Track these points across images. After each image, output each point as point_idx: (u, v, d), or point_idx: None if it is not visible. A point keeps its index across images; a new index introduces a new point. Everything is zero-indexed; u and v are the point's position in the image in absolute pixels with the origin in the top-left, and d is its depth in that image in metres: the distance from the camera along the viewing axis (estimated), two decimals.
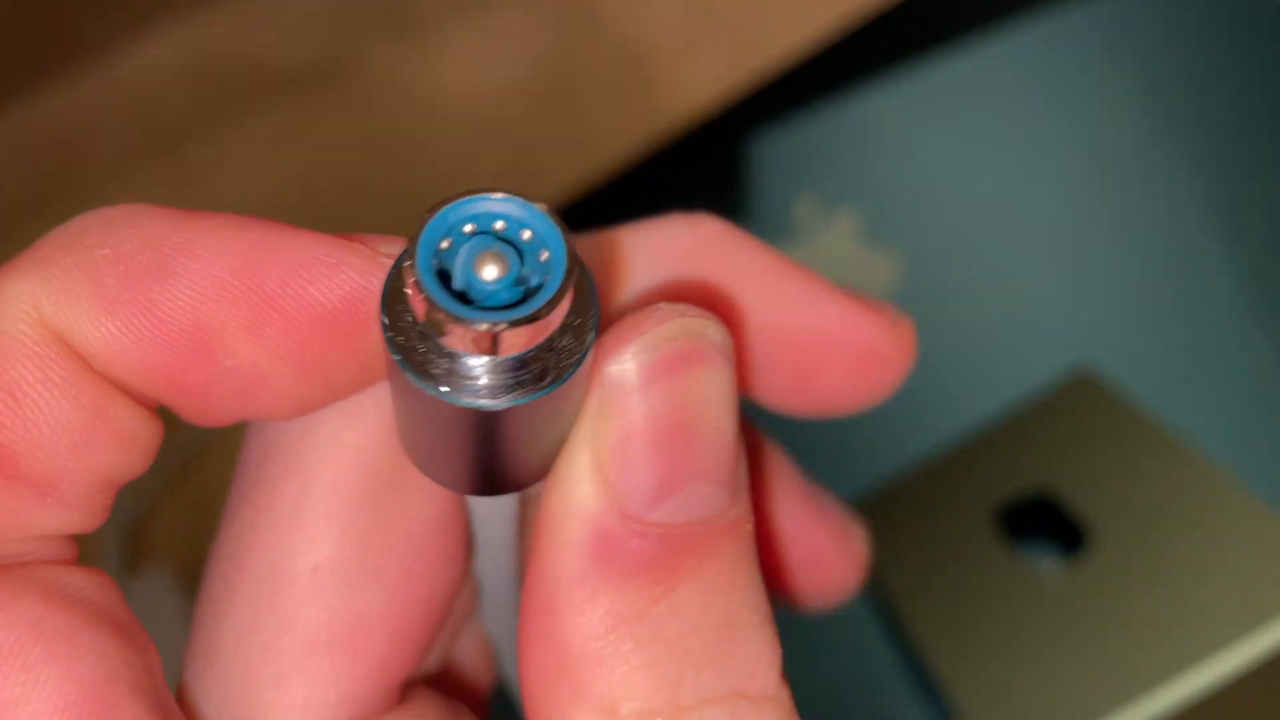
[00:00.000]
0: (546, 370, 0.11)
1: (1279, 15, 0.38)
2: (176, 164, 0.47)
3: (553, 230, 0.11)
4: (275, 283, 0.12)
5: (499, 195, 0.12)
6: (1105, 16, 0.39)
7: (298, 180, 0.48)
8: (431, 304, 0.11)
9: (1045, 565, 0.31)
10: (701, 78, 0.45)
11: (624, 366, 0.12)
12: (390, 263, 0.12)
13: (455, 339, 0.11)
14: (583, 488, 0.12)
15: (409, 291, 0.11)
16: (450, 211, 0.12)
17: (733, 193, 0.41)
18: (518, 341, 0.11)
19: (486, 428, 0.12)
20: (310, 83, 0.49)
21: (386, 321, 0.12)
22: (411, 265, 0.11)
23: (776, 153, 0.41)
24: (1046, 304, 0.36)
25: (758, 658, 0.13)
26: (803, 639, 0.33)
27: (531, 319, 0.11)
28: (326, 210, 0.47)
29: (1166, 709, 0.25)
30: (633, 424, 0.12)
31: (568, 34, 0.47)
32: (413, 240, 0.11)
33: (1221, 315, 0.34)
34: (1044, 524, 0.32)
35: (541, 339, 0.11)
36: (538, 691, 0.12)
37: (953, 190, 0.39)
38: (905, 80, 0.41)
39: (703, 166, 0.42)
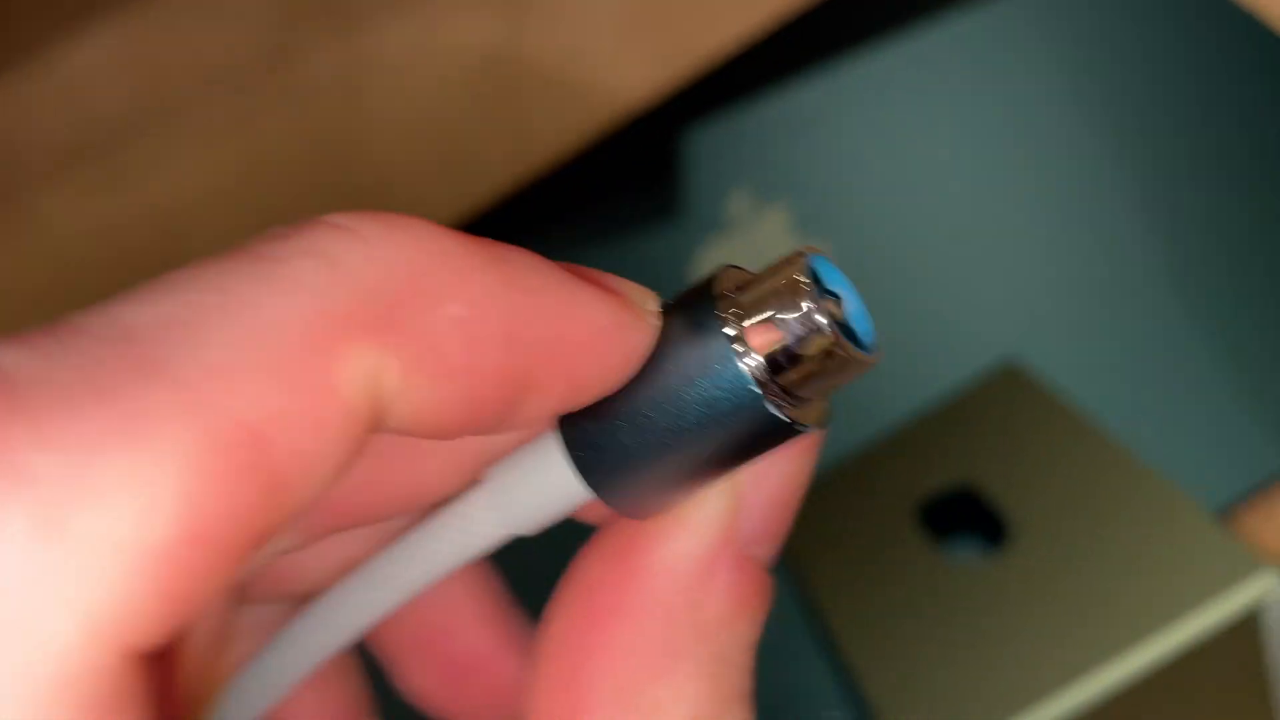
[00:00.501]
0: (811, 414, 0.13)
1: (1210, 6, 0.38)
2: (112, 165, 0.47)
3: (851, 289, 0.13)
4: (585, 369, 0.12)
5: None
6: (1037, 7, 0.39)
7: (236, 178, 0.47)
8: (816, 276, 0.12)
9: (966, 559, 0.31)
10: (637, 73, 0.45)
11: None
12: (655, 321, 0.13)
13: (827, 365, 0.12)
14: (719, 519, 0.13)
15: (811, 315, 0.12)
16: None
17: (666, 188, 0.41)
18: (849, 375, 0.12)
19: (763, 444, 0.13)
20: (248, 79, 0.48)
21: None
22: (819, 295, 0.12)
23: (710, 147, 0.41)
24: (977, 297, 0.36)
25: None
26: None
27: (871, 355, 0.12)
28: (265, 206, 0.47)
29: (1086, 701, 0.25)
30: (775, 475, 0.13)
31: (506, 30, 0.47)
32: (813, 277, 0.12)
33: (1151, 310, 0.34)
34: (966, 518, 0.32)
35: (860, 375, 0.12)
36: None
37: (884, 182, 0.39)
38: (837, 73, 0.40)
39: (637, 162, 0.42)
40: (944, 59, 0.40)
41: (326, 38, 0.48)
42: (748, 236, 0.40)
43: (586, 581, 0.13)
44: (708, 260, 0.40)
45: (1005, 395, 0.33)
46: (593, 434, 0.12)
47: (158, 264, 0.43)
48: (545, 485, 0.13)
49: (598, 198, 0.42)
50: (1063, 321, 0.35)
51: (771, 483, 0.13)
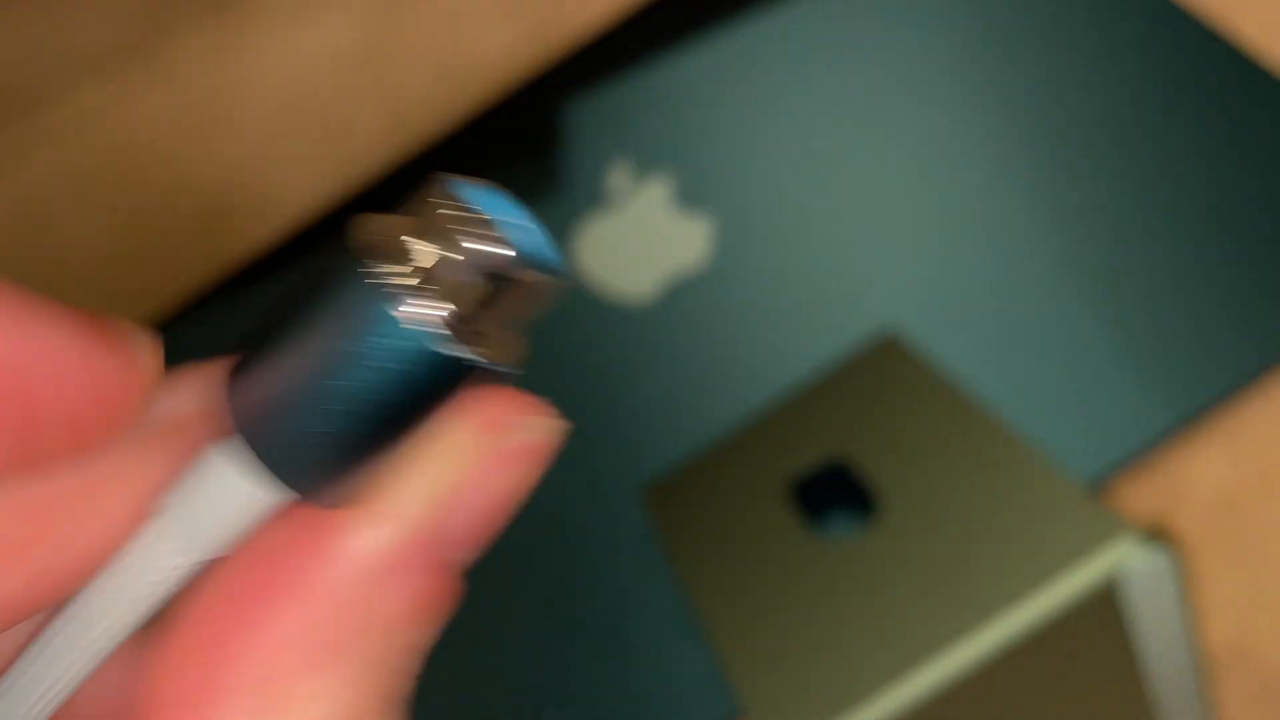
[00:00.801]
0: (496, 349, 0.11)
1: None
2: None
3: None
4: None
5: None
6: None
7: (110, 161, 0.45)
8: (460, 201, 0.11)
9: (836, 536, 0.30)
10: (514, 46, 0.44)
11: (525, 433, 0.12)
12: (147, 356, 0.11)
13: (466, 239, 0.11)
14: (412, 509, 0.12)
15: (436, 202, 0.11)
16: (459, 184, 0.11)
17: (546, 162, 0.39)
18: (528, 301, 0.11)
19: (442, 387, 0.11)
20: (117, 64, 0.46)
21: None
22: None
23: (588, 120, 0.40)
24: (860, 266, 0.35)
25: None
26: (604, 628, 0.32)
27: (555, 267, 0.11)
28: (137, 195, 0.45)
29: (945, 676, 0.24)
30: (489, 482, 0.12)
31: (382, 5, 0.45)
32: (456, 200, 0.11)
33: (1030, 279, 0.33)
34: (838, 493, 0.31)
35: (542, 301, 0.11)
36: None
37: (765, 152, 0.38)
38: (717, 43, 0.39)
39: (515, 136, 0.40)
40: (824, 28, 0.39)
41: (196, 19, 0.47)
42: (628, 210, 0.38)
43: (257, 554, 0.12)
44: (589, 235, 0.38)
45: (881, 366, 0.32)
46: (262, 427, 0.11)
47: (29, 254, 0.41)
48: (222, 496, 0.11)
49: (475, 174, 0.41)
50: (943, 290, 0.34)
51: (482, 487, 0.12)
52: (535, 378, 0.37)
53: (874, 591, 0.26)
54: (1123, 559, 0.23)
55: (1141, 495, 0.31)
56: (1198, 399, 0.31)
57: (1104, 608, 0.24)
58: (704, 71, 0.40)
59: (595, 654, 0.32)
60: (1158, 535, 0.24)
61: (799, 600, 0.27)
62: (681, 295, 0.37)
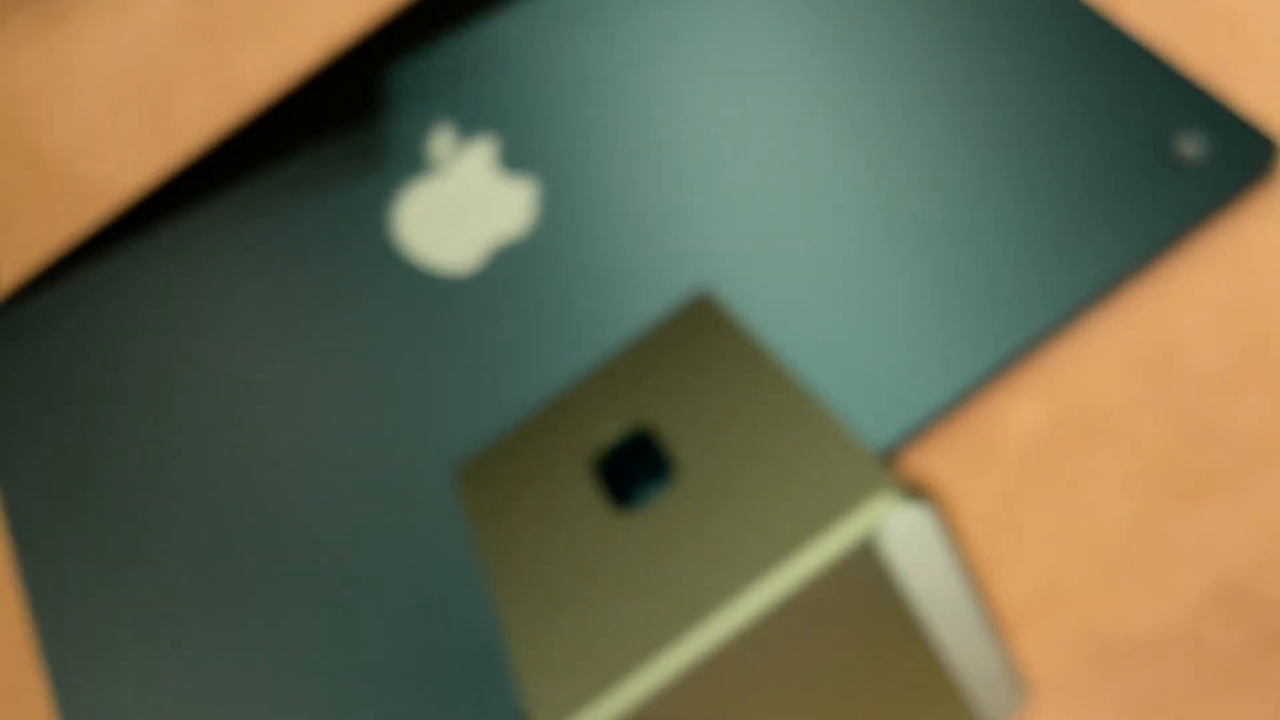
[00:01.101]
0: None
1: None
2: None
3: None
4: None
5: None
6: None
7: None
8: None
9: (632, 509, 0.29)
10: (339, 11, 0.42)
11: None
12: None
13: None
14: None
15: None
16: None
17: (369, 128, 0.38)
18: None
19: None
20: None
21: None
22: None
23: (412, 83, 0.39)
24: (682, 228, 0.34)
25: None
26: (415, 617, 0.31)
27: None
28: None
29: (710, 643, 0.24)
30: None
31: None
32: None
33: (847, 236, 0.33)
34: (644, 464, 0.30)
35: None
36: None
37: (588, 114, 0.37)
38: (538, 4, 0.38)
39: (340, 102, 0.39)
40: None
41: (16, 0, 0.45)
42: (451, 175, 0.37)
43: None
44: (411, 203, 0.37)
45: (691, 329, 0.31)
46: None
47: None
48: None
49: (300, 143, 0.39)
50: (763, 250, 0.34)
51: None
52: (356, 354, 0.36)
53: (655, 564, 0.26)
54: (877, 519, 0.22)
55: (958, 443, 0.31)
56: (1010, 344, 0.30)
57: (866, 566, 0.23)
58: (526, 33, 0.38)
59: (405, 645, 0.31)
60: (919, 492, 0.23)
61: (585, 578, 0.26)
62: (504, 263, 0.36)
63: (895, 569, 0.23)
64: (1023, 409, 0.30)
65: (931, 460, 0.31)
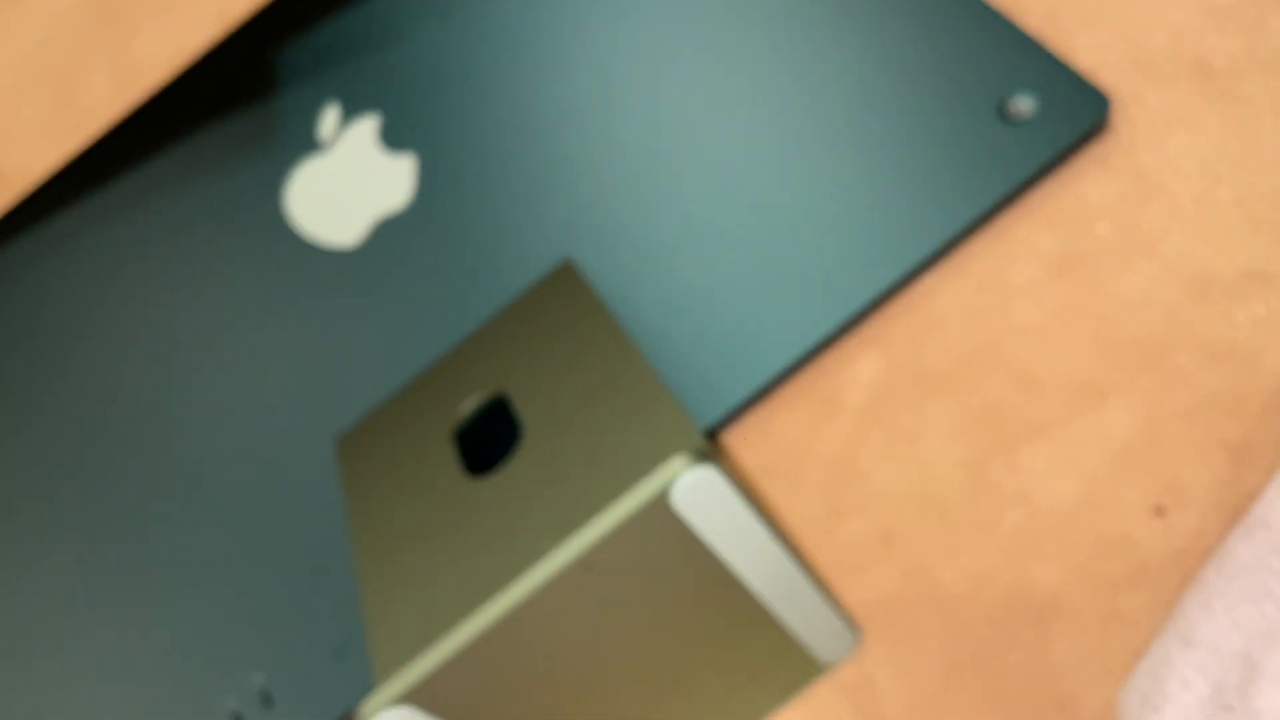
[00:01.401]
0: None
1: None
2: None
3: None
4: None
5: None
6: None
7: None
8: None
9: (484, 474, 0.31)
10: None
11: None
12: None
13: None
14: None
15: None
16: None
17: (263, 106, 0.40)
18: None
19: None
20: None
21: None
22: None
23: (302, 61, 0.40)
24: (556, 198, 0.36)
25: None
26: (297, 590, 0.33)
27: None
28: None
29: (519, 600, 0.25)
30: None
31: None
32: None
33: (708, 213, 0.34)
34: (502, 431, 0.32)
35: None
36: None
37: (465, 90, 0.38)
38: None
39: (235, 81, 0.40)
40: None
41: None
42: (336, 151, 0.39)
43: None
44: (299, 180, 0.39)
45: (550, 296, 0.33)
46: None
47: None
48: None
49: (197, 121, 0.41)
50: (624, 222, 0.35)
51: None
52: (247, 324, 0.38)
53: (493, 524, 0.27)
54: (666, 480, 0.24)
55: (804, 398, 0.32)
56: (851, 307, 0.32)
57: (666, 522, 0.25)
58: (409, 12, 0.40)
59: (285, 616, 0.33)
60: (713, 455, 0.25)
61: (433, 539, 0.28)
62: (386, 236, 0.37)
63: (690, 523, 0.24)
64: (862, 364, 0.32)
65: (780, 414, 0.32)
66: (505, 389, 0.31)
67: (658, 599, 0.26)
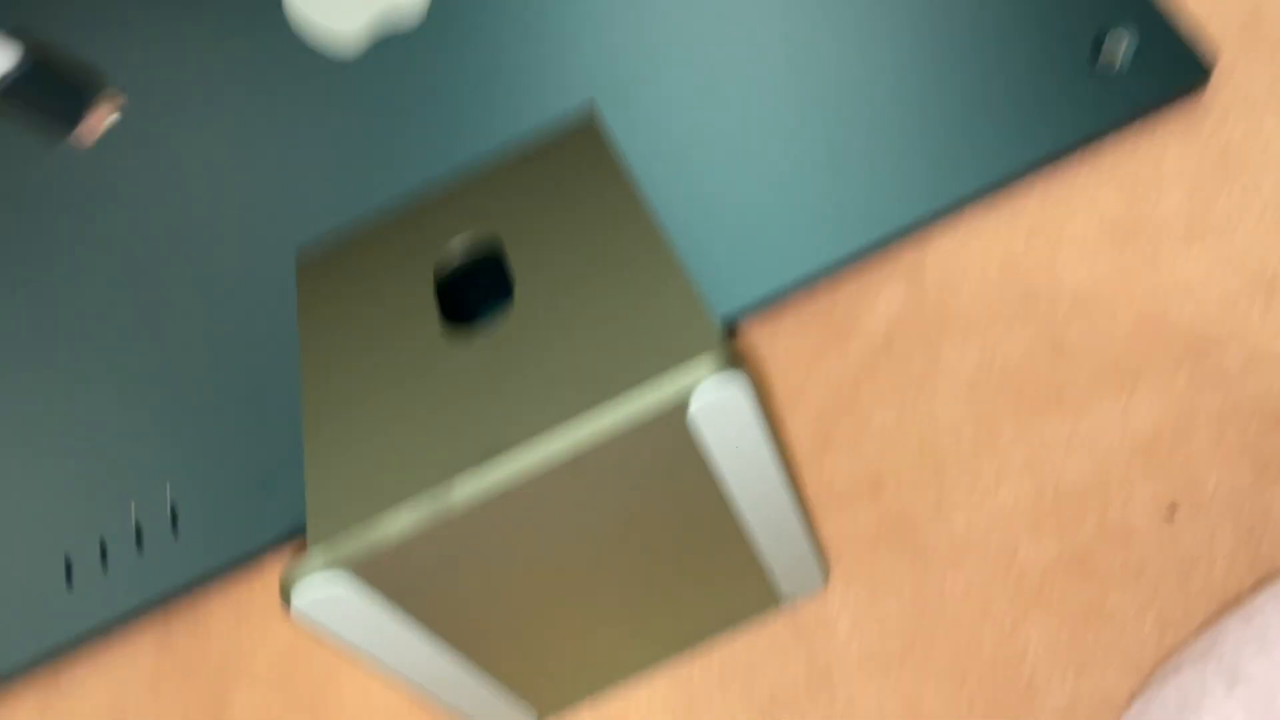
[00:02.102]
0: None
1: None
2: None
3: None
4: None
5: None
6: None
7: None
8: None
9: (466, 329, 0.28)
10: None
11: None
12: None
13: None
14: None
15: None
16: None
17: None
18: None
19: None
20: None
21: None
22: None
23: None
24: (577, 43, 0.32)
25: None
26: (242, 398, 0.30)
27: None
28: None
29: (511, 474, 0.23)
30: None
31: None
32: None
33: (759, 103, 0.31)
34: (490, 285, 0.29)
35: None
36: None
37: None
38: None
39: None
40: None
41: None
42: None
43: None
44: None
45: (563, 150, 0.30)
46: None
47: None
48: None
49: None
50: (659, 85, 0.32)
51: None
52: (240, 126, 0.34)
53: (471, 391, 0.24)
54: (691, 382, 0.21)
55: (818, 320, 0.30)
56: (885, 229, 0.29)
57: (676, 427, 0.22)
58: None
59: (211, 436, 0.30)
60: (739, 363, 0.22)
61: (398, 394, 0.25)
62: (390, 53, 0.34)
63: (702, 437, 0.22)
64: (886, 294, 0.29)
65: (789, 329, 0.30)
66: (500, 237, 0.27)
67: (638, 504, 0.23)
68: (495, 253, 0.28)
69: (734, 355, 0.21)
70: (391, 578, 0.21)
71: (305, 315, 0.27)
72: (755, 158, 0.30)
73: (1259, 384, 0.27)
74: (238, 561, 0.29)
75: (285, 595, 0.21)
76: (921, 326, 0.29)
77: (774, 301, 0.29)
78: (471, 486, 0.21)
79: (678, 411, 0.21)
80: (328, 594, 0.21)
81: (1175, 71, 0.29)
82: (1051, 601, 0.26)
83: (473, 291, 0.29)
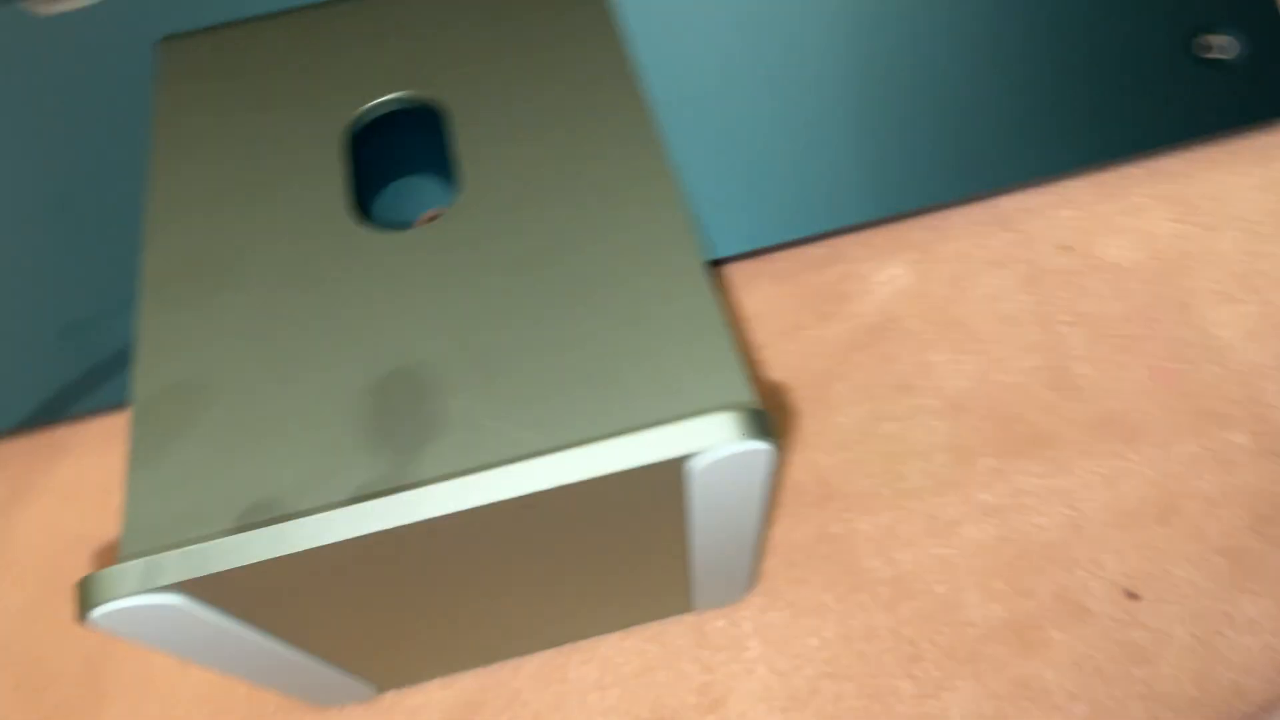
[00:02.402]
0: None
1: None
2: None
3: None
4: None
5: None
6: None
7: None
8: None
9: (384, 219, 0.22)
10: None
11: None
12: None
13: None
14: None
15: None
16: None
17: None
18: None
19: None
20: None
21: None
22: None
23: None
24: None
25: None
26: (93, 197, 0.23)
27: None
28: None
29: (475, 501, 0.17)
30: None
31: None
32: None
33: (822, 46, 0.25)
34: (417, 141, 0.22)
35: None
36: None
37: None
38: None
39: None
40: None
41: None
42: None
43: None
44: None
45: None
46: None
47: None
48: None
49: None
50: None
51: None
52: None
53: (391, 333, 0.19)
54: (706, 445, 0.16)
55: (811, 285, 0.25)
56: (905, 202, 0.24)
57: (664, 476, 0.17)
58: None
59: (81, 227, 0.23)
60: (766, 428, 0.17)
61: (281, 308, 0.19)
62: None
63: (694, 487, 0.17)
64: (887, 273, 0.25)
65: (774, 287, 0.25)
66: (445, 102, 0.21)
67: (574, 530, 0.18)
68: (430, 113, 0.21)
69: (763, 416, 0.16)
70: (223, 594, 0.16)
71: (161, 142, 0.21)
72: (801, 99, 0.24)
73: (1260, 478, 0.24)
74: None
75: (86, 606, 0.15)
76: (917, 323, 0.24)
77: (769, 250, 0.24)
78: (371, 521, 0.16)
79: (676, 463, 0.16)
80: (139, 609, 0.15)
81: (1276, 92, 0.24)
82: (984, 669, 0.23)
83: (383, 147, 0.22)
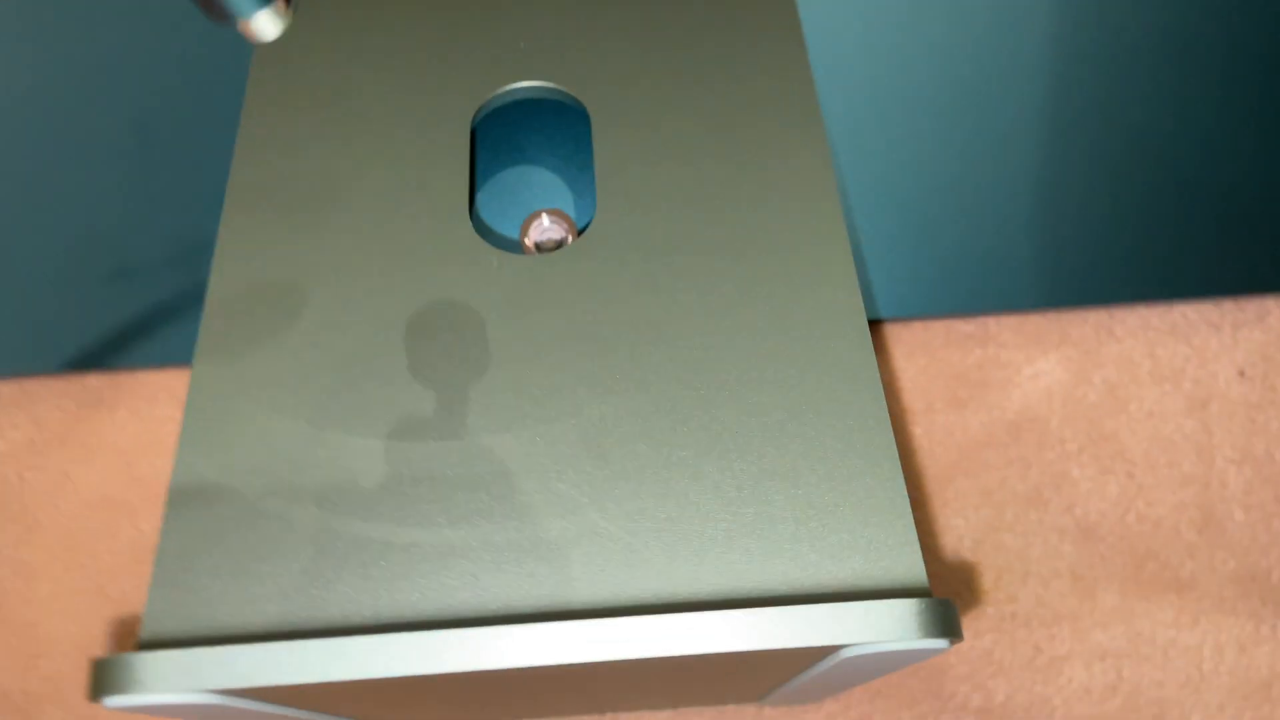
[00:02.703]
0: None
1: None
2: None
3: None
4: None
5: None
6: None
7: None
8: None
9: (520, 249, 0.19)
10: None
11: None
12: None
13: None
14: None
15: None
16: None
17: None
18: None
19: None
20: None
21: None
22: None
23: None
24: None
25: None
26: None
27: None
28: None
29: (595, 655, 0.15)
30: None
31: None
32: None
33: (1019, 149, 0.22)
34: (568, 136, 0.20)
35: None
36: None
37: None
38: None
39: None
40: None
41: None
42: None
43: None
44: None
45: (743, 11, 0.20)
46: None
47: None
48: None
49: None
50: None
51: None
52: None
53: (515, 388, 0.16)
54: (885, 637, 0.14)
55: (959, 360, 0.22)
56: (1068, 298, 0.21)
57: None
58: None
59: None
60: (950, 624, 0.14)
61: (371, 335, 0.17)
62: None
63: (852, 659, 0.15)
64: (1039, 367, 0.22)
65: (923, 365, 0.22)
66: (584, 102, 0.18)
67: (701, 668, 0.16)
68: (572, 107, 0.19)
69: (950, 611, 0.13)
70: (264, 694, 0.14)
71: (250, 120, 0.18)
72: (986, 168, 0.21)
73: None
74: None
75: (101, 691, 0.13)
76: (1062, 429, 0.21)
77: (926, 318, 0.21)
78: (464, 657, 0.13)
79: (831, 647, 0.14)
80: (165, 705, 0.13)
81: None
82: None
83: (493, 130, 0.20)
